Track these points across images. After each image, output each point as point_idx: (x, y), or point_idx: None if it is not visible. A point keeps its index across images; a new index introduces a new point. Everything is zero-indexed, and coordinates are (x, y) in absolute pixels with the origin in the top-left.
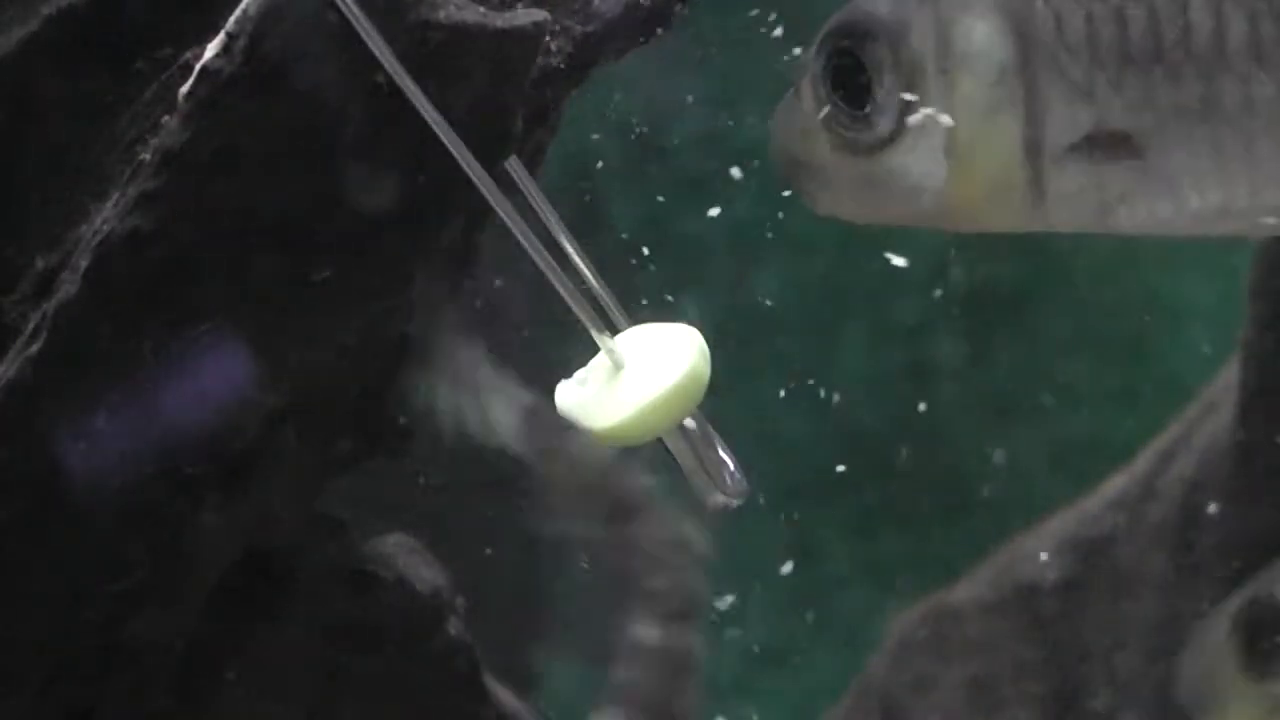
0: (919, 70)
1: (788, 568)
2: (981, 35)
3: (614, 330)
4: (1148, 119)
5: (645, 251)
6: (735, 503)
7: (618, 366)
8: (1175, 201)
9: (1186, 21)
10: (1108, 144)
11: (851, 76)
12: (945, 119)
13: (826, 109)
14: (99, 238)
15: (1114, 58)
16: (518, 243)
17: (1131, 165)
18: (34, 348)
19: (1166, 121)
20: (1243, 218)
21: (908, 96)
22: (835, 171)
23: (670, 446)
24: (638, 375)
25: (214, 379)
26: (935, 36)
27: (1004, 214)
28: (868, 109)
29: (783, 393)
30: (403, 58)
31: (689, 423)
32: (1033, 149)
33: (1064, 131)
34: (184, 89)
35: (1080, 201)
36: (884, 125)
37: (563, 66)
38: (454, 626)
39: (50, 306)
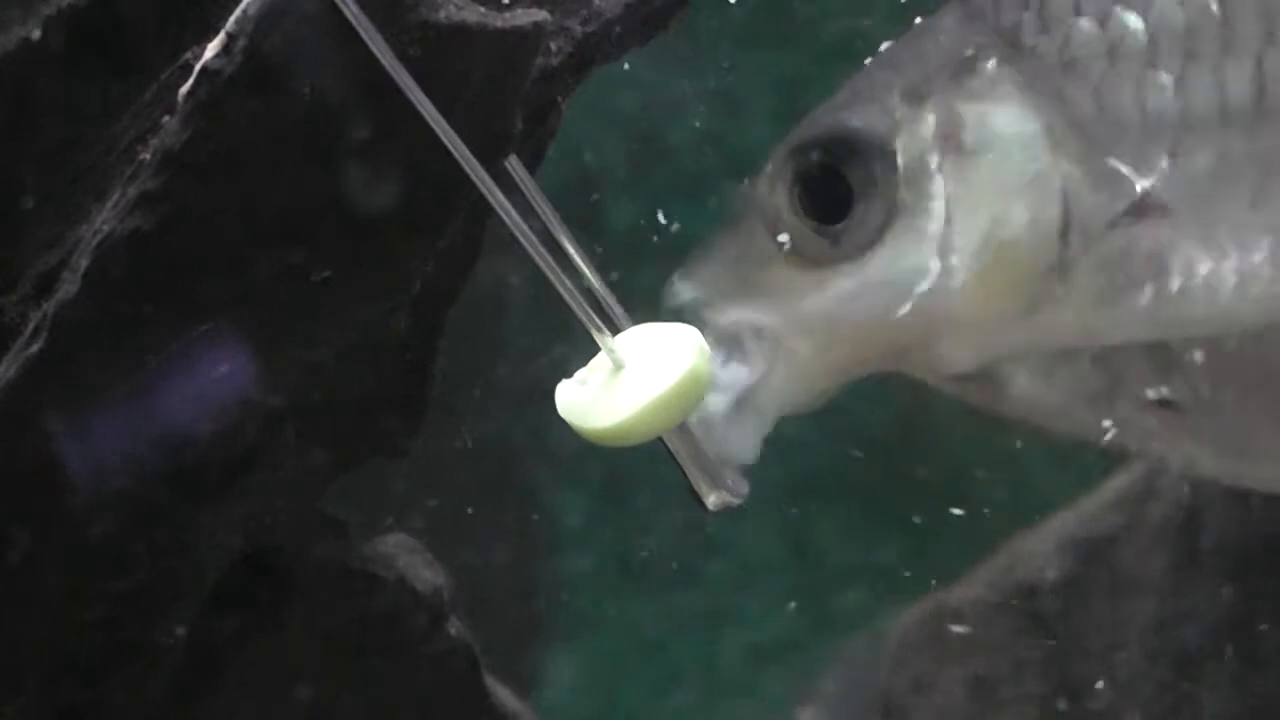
0: (916, 171)
1: (788, 568)
2: (1004, 120)
3: (614, 330)
4: (1204, 183)
5: (645, 252)
6: (736, 502)
7: (618, 366)
8: (1223, 263)
9: (1261, 79)
10: (1151, 213)
11: (823, 191)
12: (939, 217)
13: (791, 224)
14: (99, 238)
15: (1173, 124)
16: (518, 242)
17: (1176, 230)
18: (34, 348)
19: (1223, 182)
20: None
21: (897, 199)
22: (799, 294)
23: (671, 446)
24: (638, 375)
25: (214, 379)
26: (937, 131)
27: (1013, 309)
28: (841, 225)
29: None
30: (403, 58)
31: (690, 421)
32: (1064, 229)
33: (1103, 207)
34: (184, 89)
35: (1110, 279)
36: (862, 236)
37: (563, 66)
38: (454, 626)
39: (50, 306)
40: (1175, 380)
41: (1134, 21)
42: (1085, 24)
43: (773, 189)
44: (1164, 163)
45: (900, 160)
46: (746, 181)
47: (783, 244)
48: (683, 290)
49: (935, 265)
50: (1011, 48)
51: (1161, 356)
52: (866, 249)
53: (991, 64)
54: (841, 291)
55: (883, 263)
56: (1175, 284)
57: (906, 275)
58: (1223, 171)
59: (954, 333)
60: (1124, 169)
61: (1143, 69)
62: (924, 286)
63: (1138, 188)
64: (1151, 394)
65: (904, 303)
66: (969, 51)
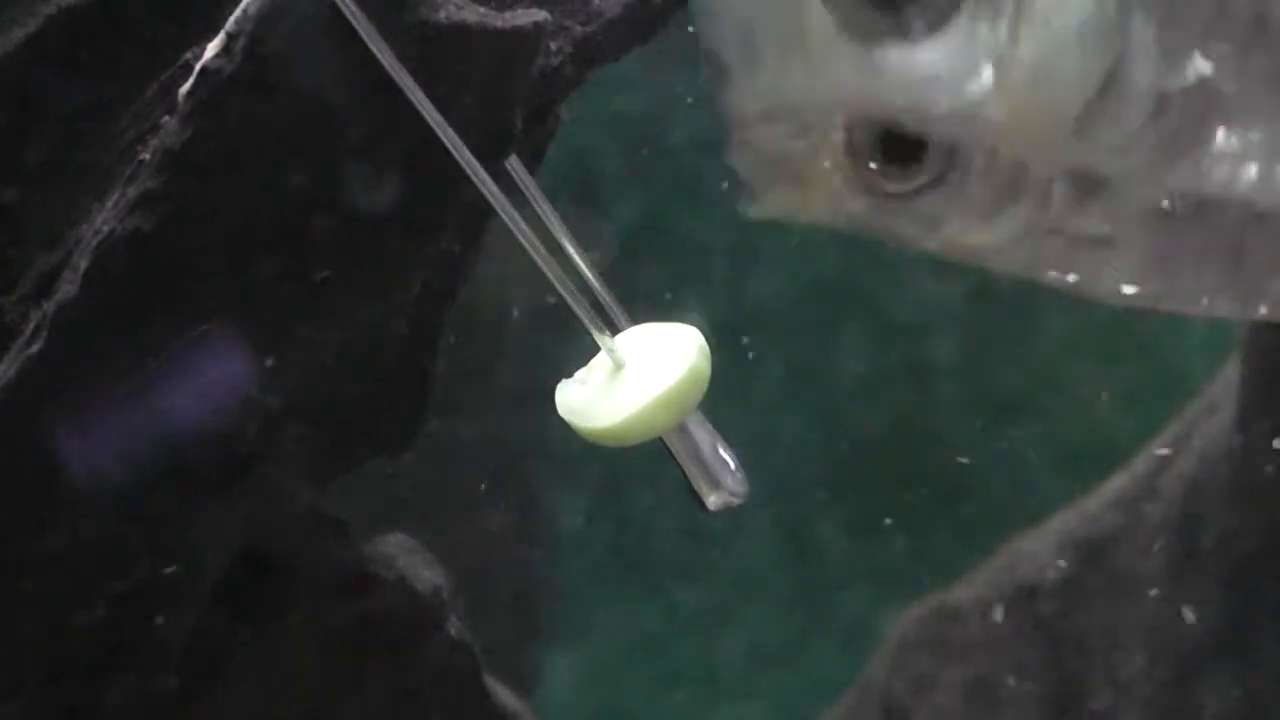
0: None
1: (788, 568)
2: None
3: (614, 330)
4: (1261, 86)
5: (645, 251)
6: (737, 501)
7: (618, 366)
8: (1249, 164)
9: None
10: (1204, 98)
11: None
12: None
13: None
14: (99, 238)
15: (1247, 21)
16: (518, 242)
17: (1219, 119)
18: (34, 348)
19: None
20: None
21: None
22: (839, 57)
23: (671, 445)
24: (638, 374)
25: (214, 379)
26: None
27: (1041, 144)
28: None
29: (783, 393)
30: (403, 58)
31: (690, 421)
32: (1110, 83)
33: (1157, 77)
34: (184, 89)
35: (1140, 142)
36: (925, 16)
37: (563, 66)
38: (454, 626)
39: (50, 306)
40: (1101, 213)
41: None
42: None
43: None
44: (1230, 56)
45: None
46: None
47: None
48: (724, 50)
49: (988, 75)
50: None
51: (1089, 189)
52: (926, 32)
53: None
54: (891, 69)
55: (940, 51)
56: (1200, 164)
57: (960, 73)
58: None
59: (973, 133)
60: (1189, 48)
61: None
62: (972, 90)
63: (1198, 71)
64: (1080, 228)
65: (950, 97)
66: None
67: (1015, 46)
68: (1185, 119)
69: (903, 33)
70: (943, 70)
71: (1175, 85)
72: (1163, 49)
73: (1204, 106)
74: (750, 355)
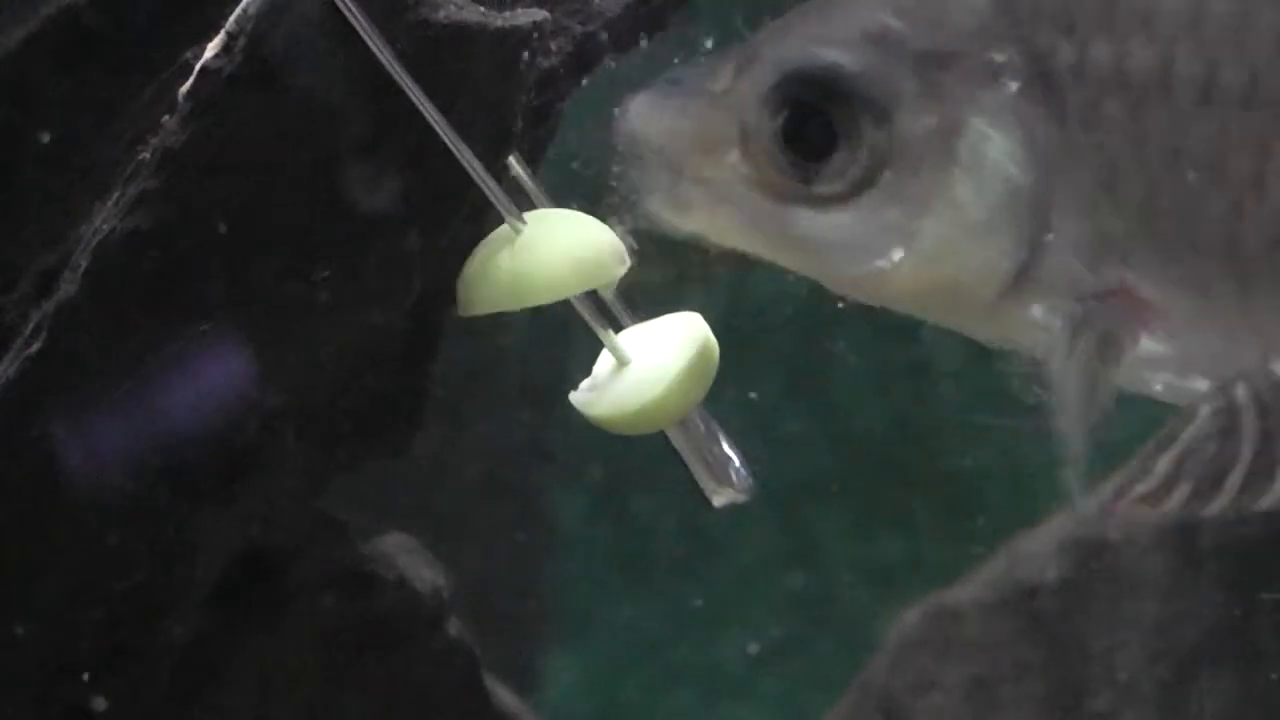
0: (906, 152)
1: (788, 568)
2: (998, 150)
3: (617, 328)
4: (1187, 291)
5: (645, 250)
6: (742, 498)
7: (621, 363)
8: (1185, 373)
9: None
10: (1123, 308)
11: (804, 120)
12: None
13: (769, 149)
14: (99, 238)
15: (1177, 223)
16: None
17: (1144, 334)
18: (34, 348)
19: (1210, 296)
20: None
21: (880, 168)
22: (748, 204)
23: (676, 443)
24: (648, 363)
25: (214, 379)
26: (939, 126)
27: (952, 321)
28: (820, 166)
29: (783, 393)
30: (402, 57)
31: (695, 418)
32: (1024, 284)
33: (1071, 282)
34: (184, 89)
35: (1061, 341)
36: (837, 188)
37: (563, 66)
38: (454, 626)
39: (50, 306)
40: None
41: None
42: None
43: (755, 107)
44: (1155, 258)
45: (896, 133)
46: (719, 65)
47: (748, 168)
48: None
49: (898, 255)
50: (1041, 79)
51: None
52: (836, 204)
53: (1014, 88)
54: (797, 234)
55: (849, 224)
56: (1128, 371)
57: (866, 248)
58: (1210, 278)
59: (881, 300)
60: (1107, 251)
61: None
62: (876, 265)
63: (1115, 274)
64: None
65: (852, 270)
66: (997, 58)
67: (926, 226)
68: (1126, 321)
69: (816, 198)
70: (850, 239)
71: (1097, 285)
72: (1088, 247)
73: (1150, 309)
74: (750, 355)
